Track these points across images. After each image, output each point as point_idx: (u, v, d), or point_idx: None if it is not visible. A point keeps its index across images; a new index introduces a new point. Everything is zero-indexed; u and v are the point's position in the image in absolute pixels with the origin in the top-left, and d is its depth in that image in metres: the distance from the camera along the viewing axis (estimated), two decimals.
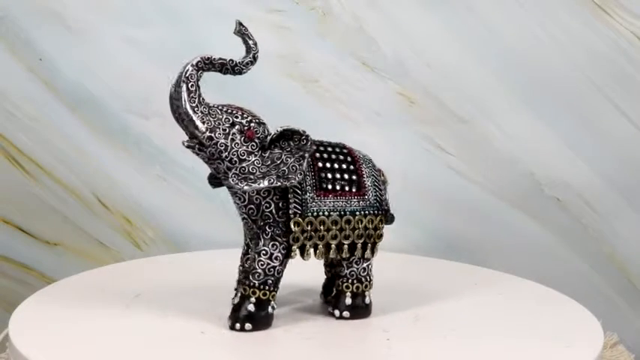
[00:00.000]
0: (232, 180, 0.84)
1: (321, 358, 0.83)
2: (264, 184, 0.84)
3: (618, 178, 1.27)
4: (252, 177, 0.84)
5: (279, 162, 0.86)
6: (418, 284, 1.07)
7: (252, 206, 0.87)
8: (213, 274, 1.06)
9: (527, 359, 0.83)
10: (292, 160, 0.86)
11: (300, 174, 0.85)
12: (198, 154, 0.86)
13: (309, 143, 0.86)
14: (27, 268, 1.33)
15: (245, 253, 0.92)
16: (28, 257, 1.32)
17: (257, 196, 0.87)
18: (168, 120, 1.29)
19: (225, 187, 0.92)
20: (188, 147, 0.85)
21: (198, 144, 0.84)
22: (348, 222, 0.89)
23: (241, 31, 0.87)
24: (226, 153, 0.85)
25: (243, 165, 0.85)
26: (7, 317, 0.89)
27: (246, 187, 0.84)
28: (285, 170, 0.85)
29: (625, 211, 1.28)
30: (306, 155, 0.86)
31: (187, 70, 0.83)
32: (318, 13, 1.26)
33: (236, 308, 0.88)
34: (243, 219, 0.89)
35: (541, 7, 1.24)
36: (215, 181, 0.92)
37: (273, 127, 0.87)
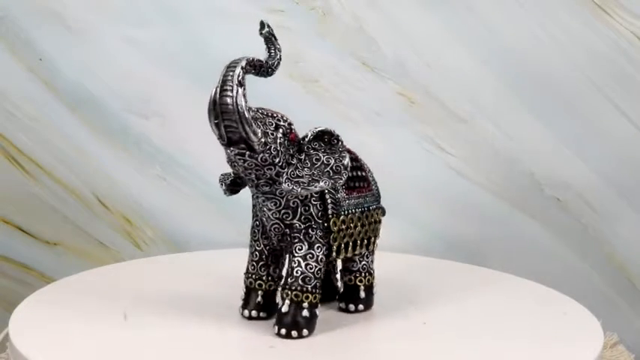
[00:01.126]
0: (287, 185, 0.81)
1: (409, 352, 0.84)
2: (320, 185, 0.82)
3: (618, 178, 1.27)
4: (303, 180, 0.82)
5: (319, 163, 0.84)
6: (418, 284, 1.07)
7: (288, 210, 0.85)
8: (213, 274, 1.06)
9: (527, 359, 0.83)
10: (333, 160, 0.84)
11: (346, 173, 0.84)
12: (245, 162, 0.81)
13: (341, 142, 0.86)
14: (27, 268, 1.33)
15: (259, 260, 0.90)
16: (28, 257, 1.32)
17: (295, 199, 0.85)
18: (168, 120, 1.30)
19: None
20: (237, 155, 0.81)
21: (248, 150, 0.80)
22: (367, 217, 0.91)
23: (269, 33, 0.84)
24: (278, 158, 0.82)
25: (291, 169, 0.83)
26: (7, 317, 0.89)
27: (303, 192, 0.81)
28: (329, 171, 0.84)
29: (625, 211, 1.28)
30: (346, 154, 0.85)
31: (239, 74, 0.78)
32: (318, 13, 1.26)
33: (286, 316, 0.84)
34: (274, 224, 0.86)
35: (541, 7, 1.24)
36: (232, 187, 0.90)
37: None
